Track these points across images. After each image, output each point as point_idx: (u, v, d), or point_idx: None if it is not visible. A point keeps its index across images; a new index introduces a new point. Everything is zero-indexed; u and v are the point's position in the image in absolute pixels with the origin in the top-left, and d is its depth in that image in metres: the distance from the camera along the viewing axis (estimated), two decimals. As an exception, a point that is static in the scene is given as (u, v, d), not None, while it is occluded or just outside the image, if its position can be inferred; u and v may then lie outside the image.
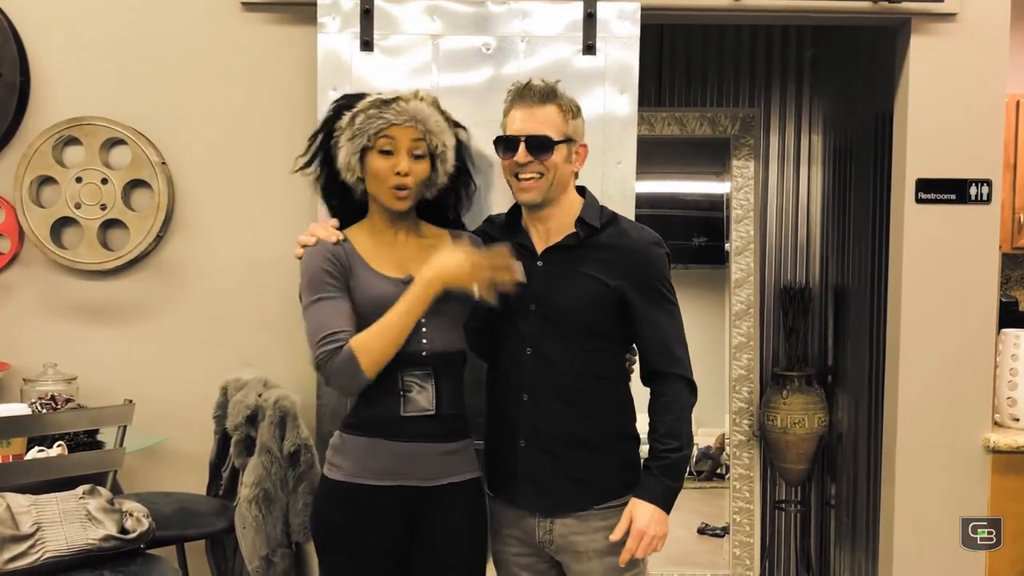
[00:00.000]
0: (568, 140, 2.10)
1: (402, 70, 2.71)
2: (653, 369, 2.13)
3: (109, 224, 3.18)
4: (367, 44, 2.72)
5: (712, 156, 4.41)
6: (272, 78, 3.11)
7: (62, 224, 3.19)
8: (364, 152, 2.06)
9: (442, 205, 2.24)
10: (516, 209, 2.22)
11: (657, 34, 4.23)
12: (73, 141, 3.16)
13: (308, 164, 2.20)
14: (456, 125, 2.22)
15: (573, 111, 2.13)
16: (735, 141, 4.26)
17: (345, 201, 2.19)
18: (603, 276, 2.09)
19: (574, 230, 2.13)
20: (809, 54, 4.28)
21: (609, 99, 2.66)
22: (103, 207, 3.14)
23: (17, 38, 3.13)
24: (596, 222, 2.13)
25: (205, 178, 3.18)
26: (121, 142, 3.15)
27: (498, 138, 2.13)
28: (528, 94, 2.09)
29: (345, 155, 2.07)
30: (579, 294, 2.09)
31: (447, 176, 2.16)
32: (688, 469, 5.90)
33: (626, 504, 2.10)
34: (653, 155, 4.21)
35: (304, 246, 2.08)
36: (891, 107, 3.20)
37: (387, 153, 2.04)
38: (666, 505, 2.06)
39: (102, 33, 3.15)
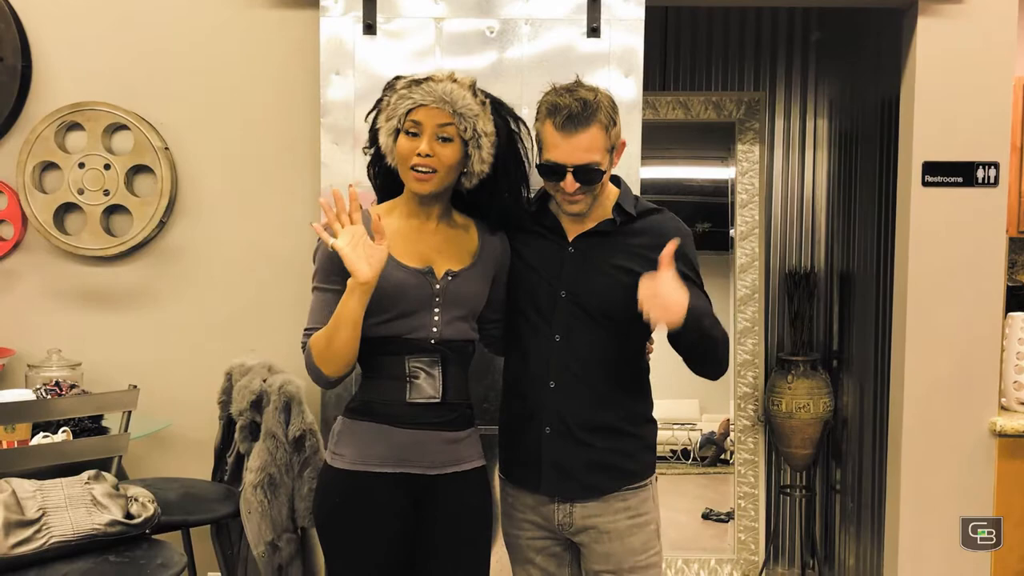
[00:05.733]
0: (612, 148, 2.05)
1: (405, 53, 2.70)
2: None
3: (112, 210, 3.18)
4: (370, 27, 2.70)
5: (717, 141, 4.39)
6: (275, 62, 3.10)
7: (65, 210, 3.18)
8: (397, 134, 2.01)
9: (478, 197, 2.13)
10: (545, 193, 2.18)
11: (662, 17, 4.20)
12: (75, 126, 3.15)
13: (370, 146, 2.14)
14: (508, 114, 2.12)
15: (613, 119, 2.02)
16: (740, 125, 4.24)
17: (388, 183, 2.14)
18: (635, 265, 2.06)
19: (609, 216, 2.11)
20: (815, 37, 4.25)
21: (614, 82, 2.64)
22: (106, 193, 3.14)
23: (18, 23, 3.12)
24: (632, 210, 2.12)
25: (208, 163, 3.17)
26: (123, 127, 3.14)
27: (541, 164, 2.03)
28: (570, 121, 1.96)
29: (383, 138, 2.03)
30: (612, 282, 2.08)
31: (486, 165, 2.05)
32: (691, 453, 5.92)
33: (645, 486, 2.14)
34: (658, 140, 4.20)
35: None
36: (897, 90, 3.18)
37: (413, 135, 1.98)
38: (694, 307, 1.89)
39: (104, 18, 3.14)
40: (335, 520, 2.05)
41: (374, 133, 2.11)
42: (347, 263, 1.88)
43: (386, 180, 2.15)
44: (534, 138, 2.10)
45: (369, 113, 2.15)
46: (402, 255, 2.04)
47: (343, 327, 1.92)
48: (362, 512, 2.03)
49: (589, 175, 2.00)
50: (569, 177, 1.99)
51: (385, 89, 2.09)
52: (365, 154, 2.19)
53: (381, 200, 2.16)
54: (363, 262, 1.89)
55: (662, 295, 1.87)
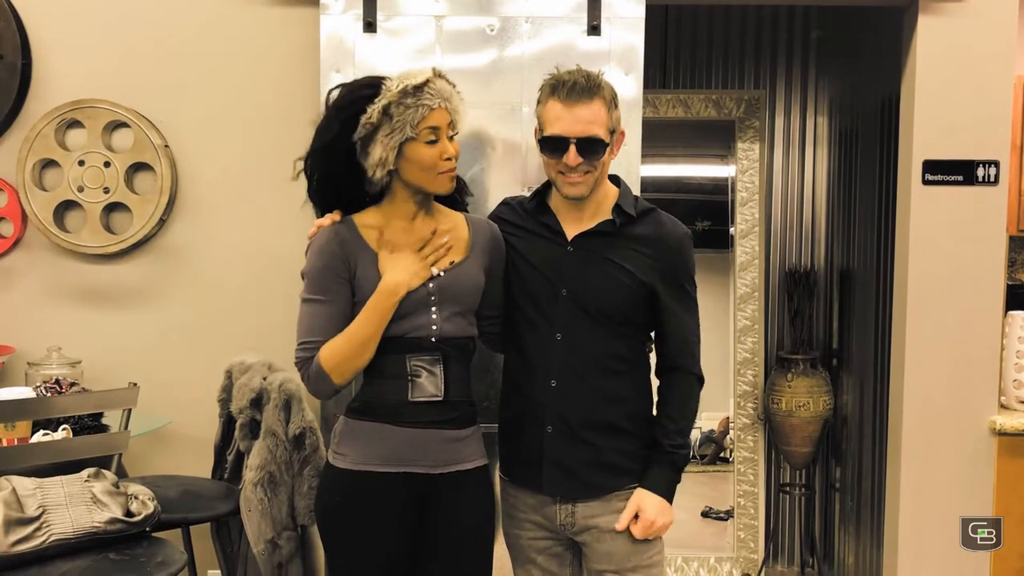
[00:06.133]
0: (613, 131, 2.06)
1: (405, 51, 2.70)
2: (669, 364, 2.17)
3: (112, 207, 3.18)
4: (370, 25, 2.70)
5: (717, 139, 4.38)
6: (275, 60, 3.10)
7: (65, 207, 3.18)
8: (402, 143, 1.97)
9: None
10: (543, 190, 2.19)
11: (662, 15, 4.20)
12: (75, 124, 3.15)
13: (315, 166, 2.07)
14: None
15: (614, 101, 2.06)
16: (740, 123, 4.24)
17: (352, 196, 2.09)
18: (634, 268, 2.08)
19: (609, 217, 2.11)
20: (815, 35, 4.25)
21: (614, 80, 2.61)
22: (106, 190, 3.14)
23: (18, 20, 3.12)
24: (632, 210, 2.11)
25: (208, 161, 3.17)
26: (123, 125, 3.14)
27: (543, 138, 2.05)
28: (574, 91, 1.99)
29: (382, 151, 1.96)
30: (611, 282, 2.08)
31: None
32: (691, 452, 5.93)
33: None
34: (658, 138, 4.19)
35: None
36: (898, 89, 3.18)
37: (432, 142, 1.98)
38: (671, 496, 2.13)
39: (104, 15, 3.14)
40: (337, 519, 2.05)
41: (345, 149, 2.02)
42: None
43: (352, 194, 2.08)
44: (534, 128, 2.11)
45: (322, 132, 2.03)
46: (391, 258, 2.04)
47: (374, 339, 1.98)
48: (364, 512, 2.02)
49: (592, 148, 2.01)
50: (572, 149, 2.00)
51: (353, 103, 1.99)
52: (307, 174, 2.09)
53: (348, 213, 2.10)
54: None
55: (658, 527, 2.10)
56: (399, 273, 1.99)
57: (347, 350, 1.96)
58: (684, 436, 2.14)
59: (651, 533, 2.09)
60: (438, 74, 2.01)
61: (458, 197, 2.21)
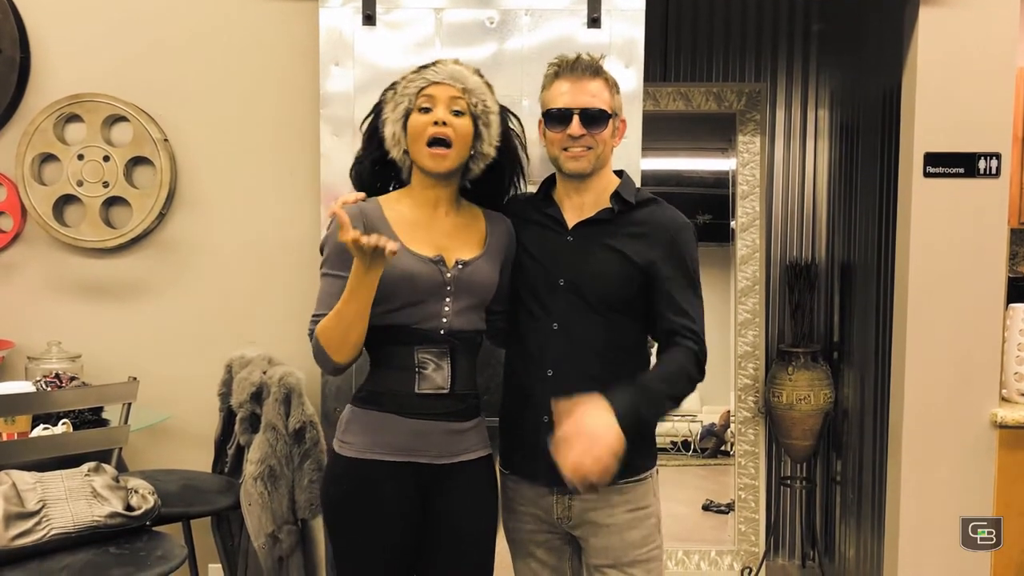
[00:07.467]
0: (615, 114, 2.11)
1: (405, 44, 2.69)
2: (667, 341, 2.09)
3: (111, 201, 3.17)
4: (369, 18, 2.69)
5: (718, 132, 4.37)
6: (274, 54, 3.10)
7: (64, 202, 3.18)
8: (406, 118, 2.03)
9: (486, 186, 2.18)
10: (548, 183, 2.21)
11: (662, 7, 4.19)
12: (74, 118, 3.15)
13: (367, 149, 2.17)
14: (505, 110, 2.18)
15: (616, 86, 2.14)
16: (741, 116, 4.23)
17: (382, 180, 2.17)
18: (633, 252, 2.08)
19: (609, 205, 2.12)
20: (816, 28, 4.24)
21: (614, 73, 2.60)
22: (105, 184, 3.13)
23: (17, 14, 3.11)
24: (632, 199, 2.13)
25: (207, 155, 3.17)
26: (123, 119, 3.13)
27: (548, 111, 2.11)
28: (579, 67, 2.08)
29: (391, 126, 2.05)
30: (609, 268, 2.08)
31: (494, 149, 2.10)
32: (692, 444, 5.93)
33: (645, 479, 2.13)
34: (658, 131, 4.18)
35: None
36: (899, 81, 3.17)
37: (426, 110, 2.01)
38: (626, 427, 1.88)
39: (102, 9, 3.14)
40: (342, 508, 2.06)
41: (374, 133, 2.14)
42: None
43: (381, 178, 2.16)
44: (538, 120, 2.15)
45: (365, 119, 2.18)
46: (412, 242, 2.03)
47: (360, 317, 1.92)
48: (369, 501, 2.03)
49: (595, 119, 2.06)
50: (576, 120, 2.05)
51: (384, 92, 2.14)
52: (361, 159, 2.19)
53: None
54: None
55: (594, 442, 1.83)
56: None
57: (336, 328, 1.94)
58: (671, 385, 1.99)
59: (584, 451, 1.83)
60: (456, 63, 2.08)
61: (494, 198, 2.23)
